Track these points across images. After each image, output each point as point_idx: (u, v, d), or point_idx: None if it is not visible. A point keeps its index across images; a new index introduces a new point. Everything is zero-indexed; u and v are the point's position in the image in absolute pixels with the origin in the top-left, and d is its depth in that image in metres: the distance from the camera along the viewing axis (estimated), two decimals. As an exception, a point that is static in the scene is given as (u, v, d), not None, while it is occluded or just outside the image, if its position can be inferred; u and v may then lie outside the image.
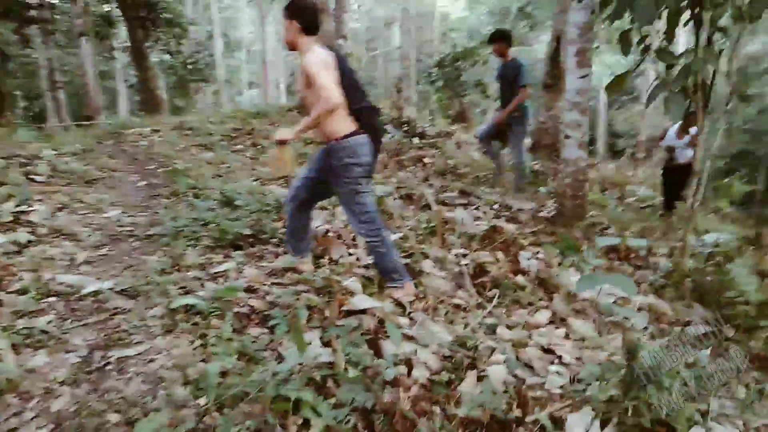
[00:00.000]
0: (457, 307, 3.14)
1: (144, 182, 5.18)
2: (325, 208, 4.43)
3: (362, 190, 3.04)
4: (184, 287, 2.97)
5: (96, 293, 2.90)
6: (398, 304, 2.98)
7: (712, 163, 3.92)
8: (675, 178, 7.34)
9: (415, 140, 7.82)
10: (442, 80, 25.30)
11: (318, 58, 2.82)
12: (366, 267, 3.39)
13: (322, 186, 3.18)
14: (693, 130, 7.08)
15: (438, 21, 32.97)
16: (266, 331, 2.67)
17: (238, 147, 6.55)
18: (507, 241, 4.16)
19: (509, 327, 2.97)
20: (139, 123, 8.37)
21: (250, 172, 5.50)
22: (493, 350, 2.65)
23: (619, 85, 4.08)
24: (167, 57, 18.33)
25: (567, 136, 4.84)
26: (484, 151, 6.24)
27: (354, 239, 3.76)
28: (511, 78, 5.69)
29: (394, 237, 3.81)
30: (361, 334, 2.57)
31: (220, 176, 5.23)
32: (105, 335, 2.56)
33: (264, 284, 3.09)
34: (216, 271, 3.21)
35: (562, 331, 3.05)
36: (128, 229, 3.94)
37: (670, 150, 7.08)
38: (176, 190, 4.78)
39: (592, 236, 4.70)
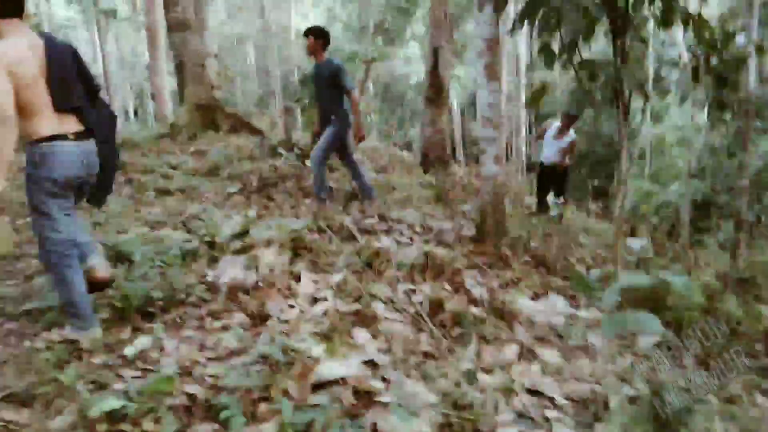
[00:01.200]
0: (426, 355, 2.79)
1: (0, 240, 4.19)
2: (240, 251, 3.86)
3: (47, 210, 2.55)
4: (94, 382, 2.31)
5: (-31, 407, 2.15)
6: (367, 363, 2.56)
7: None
8: (550, 178, 7.67)
9: (307, 162, 7.37)
10: (307, 97, 24.96)
11: None
12: (315, 320, 2.92)
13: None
14: (570, 133, 7.44)
15: (295, 37, 32.69)
16: (217, 426, 2.12)
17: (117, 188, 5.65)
18: (445, 268, 3.91)
19: (487, 371, 2.69)
20: (-27, 164, 6.99)
21: (134, 215, 4.72)
22: (484, 404, 2.35)
23: (538, 99, 4.04)
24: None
25: (482, 151, 4.72)
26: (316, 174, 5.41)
27: (290, 288, 3.26)
28: (327, 79, 5.26)
29: (334, 279, 3.38)
30: (344, 414, 2.12)
31: (98, 224, 4.40)
32: (-4, 470, 1.87)
33: (198, 362, 2.51)
34: (130, 353, 2.55)
35: (537, 367, 2.83)
36: (-6, 306, 3.08)
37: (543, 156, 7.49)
38: (47, 247, 3.90)
39: (519, 251, 4.62)
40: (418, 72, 29.60)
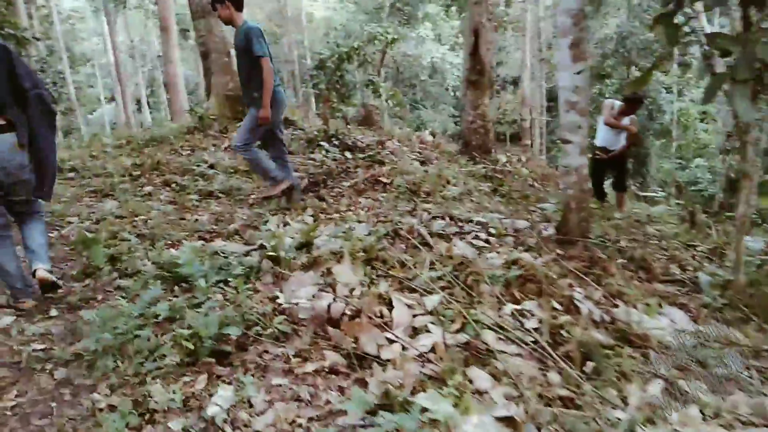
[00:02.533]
0: (564, 401, 2.30)
1: (35, 258, 3.74)
2: (308, 266, 3.38)
3: None
4: (175, 457, 1.85)
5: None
6: (503, 420, 2.07)
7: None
8: (608, 163, 7.07)
9: (348, 154, 6.84)
10: (324, 83, 24.26)
11: None
12: (422, 358, 2.43)
13: None
14: (629, 117, 6.81)
15: (306, 21, 31.96)
16: None
17: (148, 189, 5.16)
18: (541, 279, 3.41)
19: (645, 421, 2.19)
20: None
21: (180, 224, 4.24)
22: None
23: (644, 82, 3.52)
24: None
25: (566, 141, 4.18)
26: (249, 160, 4.82)
27: (381, 315, 2.77)
28: (242, 48, 4.58)
29: (430, 303, 2.87)
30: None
31: (142, 236, 3.93)
32: None
33: (298, 424, 2.03)
34: (215, 414, 2.08)
35: (695, 410, 2.34)
36: (39, 347, 2.63)
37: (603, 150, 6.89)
38: (89, 267, 3.44)
39: (612, 253, 4.10)
40: (430, 52, 28.97)
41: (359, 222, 4.28)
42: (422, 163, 7.24)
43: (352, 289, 3.09)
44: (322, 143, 6.62)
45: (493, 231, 4.36)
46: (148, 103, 36.32)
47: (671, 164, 21.16)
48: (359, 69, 21.68)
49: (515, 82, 30.03)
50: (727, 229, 6.97)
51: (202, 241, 3.83)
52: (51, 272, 3.10)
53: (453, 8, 29.84)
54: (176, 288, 3.10)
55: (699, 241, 5.99)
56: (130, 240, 3.71)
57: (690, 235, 6.56)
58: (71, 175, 5.71)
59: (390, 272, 3.43)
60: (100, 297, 3.07)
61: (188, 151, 6.65)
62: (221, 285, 3.08)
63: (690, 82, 24.44)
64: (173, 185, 5.27)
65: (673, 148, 21.52)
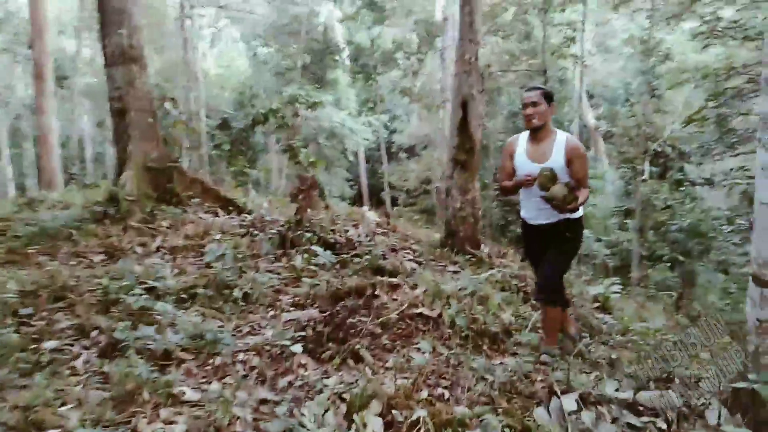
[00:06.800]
0: None
1: None
2: None
3: None
4: None
5: None
6: None
7: None
8: (547, 238, 3.60)
9: (331, 256, 4.97)
10: (228, 144, 22.19)
11: None
12: None
13: None
14: (558, 135, 3.46)
15: (204, 78, 29.87)
16: None
17: (51, 346, 2.88)
18: None
19: None
20: None
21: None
22: None
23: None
24: None
25: (766, 282, 2.73)
26: None
27: None
28: None
29: None
30: None
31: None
32: None
33: None
34: None
35: None
36: None
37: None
38: None
39: None
40: (330, 116, 28.27)
41: (447, 412, 2.45)
42: (419, 264, 5.58)
43: None
44: (315, 249, 4.66)
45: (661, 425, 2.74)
46: (9, 157, 31.52)
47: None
48: (274, 132, 19.88)
49: (411, 150, 29.86)
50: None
51: None
52: None
53: (359, 75, 29.49)
54: None
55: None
56: None
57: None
58: None
59: None
60: None
61: (103, 256, 4.43)
62: None
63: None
64: (94, 336, 3.07)
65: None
